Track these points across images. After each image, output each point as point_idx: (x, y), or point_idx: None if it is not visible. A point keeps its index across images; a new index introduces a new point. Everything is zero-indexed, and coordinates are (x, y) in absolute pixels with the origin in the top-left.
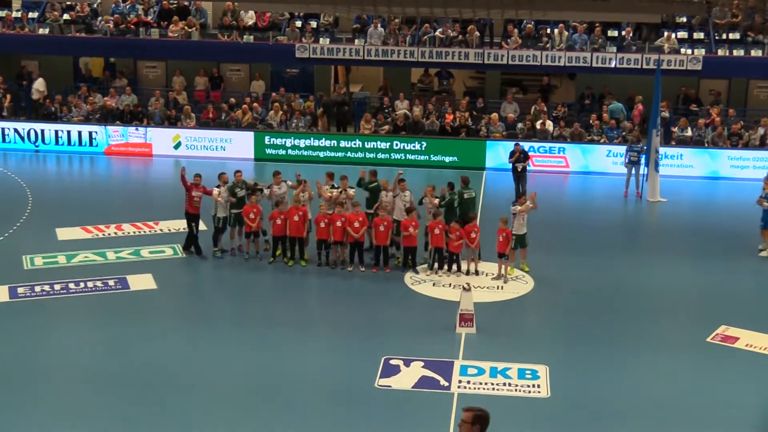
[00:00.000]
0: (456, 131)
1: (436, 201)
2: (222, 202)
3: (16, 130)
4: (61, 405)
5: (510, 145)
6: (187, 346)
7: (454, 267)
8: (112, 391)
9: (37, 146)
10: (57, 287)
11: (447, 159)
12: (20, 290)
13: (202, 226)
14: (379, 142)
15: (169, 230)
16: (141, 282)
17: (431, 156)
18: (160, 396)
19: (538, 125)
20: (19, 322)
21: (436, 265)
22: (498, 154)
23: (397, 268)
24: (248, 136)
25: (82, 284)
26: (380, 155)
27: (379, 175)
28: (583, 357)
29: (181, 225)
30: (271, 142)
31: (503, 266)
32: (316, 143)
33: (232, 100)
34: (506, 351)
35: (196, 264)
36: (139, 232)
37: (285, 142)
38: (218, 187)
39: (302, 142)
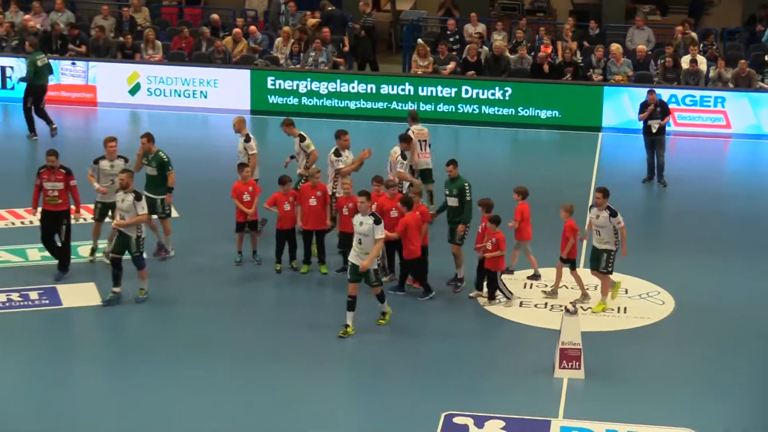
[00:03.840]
0: (557, 71)
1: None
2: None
3: None
4: None
5: (641, 94)
6: (154, 402)
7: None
8: None
9: None
10: None
11: (543, 114)
12: None
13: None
14: (440, 88)
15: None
16: (78, 295)
17: (519, 109)
18: None
19: (684, 63)
20: None
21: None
22: (621, 106)
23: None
24: (242, 77)
25: None
26: (441, 107)
27: (441, 138)
28: (747, 419)
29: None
30: (277, 86)
31: (560, 275)
32: (345, 88)
33: (215, 17)
34: (630, 406)
35: (164, 269)
36: (79, 219)
37: (297, 86)
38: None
39: (324, 87)
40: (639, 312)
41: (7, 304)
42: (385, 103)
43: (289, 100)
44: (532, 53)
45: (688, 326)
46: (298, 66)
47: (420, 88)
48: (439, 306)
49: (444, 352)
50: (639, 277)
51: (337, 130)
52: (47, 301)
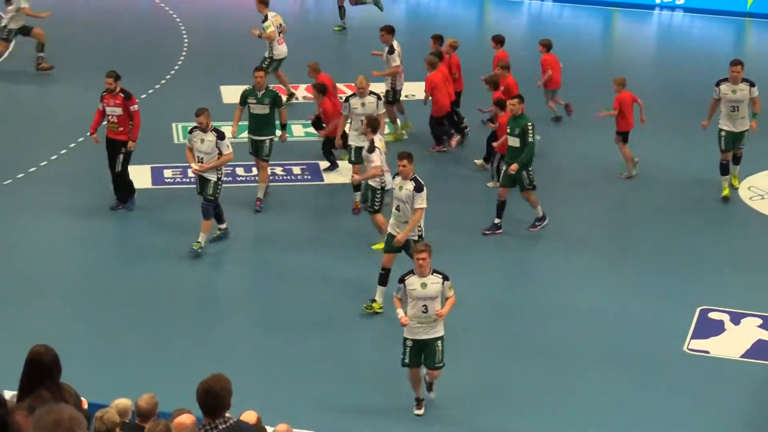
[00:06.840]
0: None
1: None
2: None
3: None
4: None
5: None
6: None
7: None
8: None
9: None
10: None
11: None
12: (167, 173)
13: None
14: None
15: (406, 97)
16: (338, 172)
17: None
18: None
19: None
20: (164, 220)
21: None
22: None
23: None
24: None
25: (254, 169)
26: None
27: None
28: None
29: (410, 90)
30: None
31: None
32: None
33: None
34: None
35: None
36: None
37: None
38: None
39: None
40: None
41: (271, 177)
42: None
43: None
44: None
45: None
46: None
47: None
48: (701, 205)
49: (703, 249)
50: None
51: None
52: (309, 177)
